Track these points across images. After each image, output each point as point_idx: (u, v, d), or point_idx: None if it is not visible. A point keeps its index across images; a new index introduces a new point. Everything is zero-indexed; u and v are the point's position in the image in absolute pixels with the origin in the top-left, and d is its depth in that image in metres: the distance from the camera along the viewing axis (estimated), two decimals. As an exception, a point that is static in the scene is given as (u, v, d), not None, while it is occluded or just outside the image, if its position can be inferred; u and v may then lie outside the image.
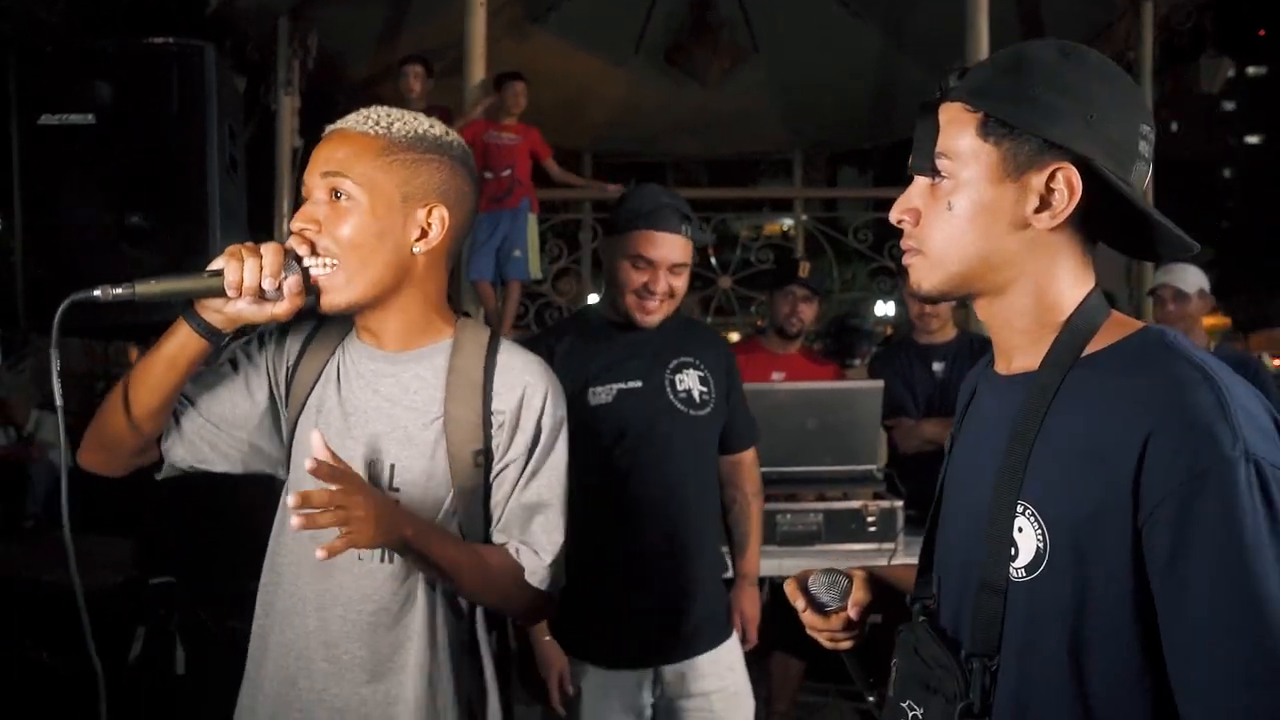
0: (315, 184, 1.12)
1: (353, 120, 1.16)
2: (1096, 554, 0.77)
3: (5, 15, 6.18)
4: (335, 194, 1.11)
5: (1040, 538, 0.80)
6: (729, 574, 2.02)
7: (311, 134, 5.16)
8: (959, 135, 0.85)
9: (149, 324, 1.96)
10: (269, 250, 1.06)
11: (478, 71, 4.69)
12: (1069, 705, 0.79)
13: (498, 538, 1.19)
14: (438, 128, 1.18)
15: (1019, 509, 0.81)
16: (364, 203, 1.10)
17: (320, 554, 0.98)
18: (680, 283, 1.84)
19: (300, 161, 5.31)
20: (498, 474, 1.18)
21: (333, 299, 1.11)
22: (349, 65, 6.16)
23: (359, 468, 1.13)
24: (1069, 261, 0.85)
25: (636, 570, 1.80)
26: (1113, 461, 0.76)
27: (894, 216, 0.90)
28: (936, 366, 3.00)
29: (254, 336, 1.24)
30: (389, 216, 1.12)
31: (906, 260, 0.91)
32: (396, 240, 1.12)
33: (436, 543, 1.09)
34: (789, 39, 6.32)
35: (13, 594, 3.72)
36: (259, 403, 1.21)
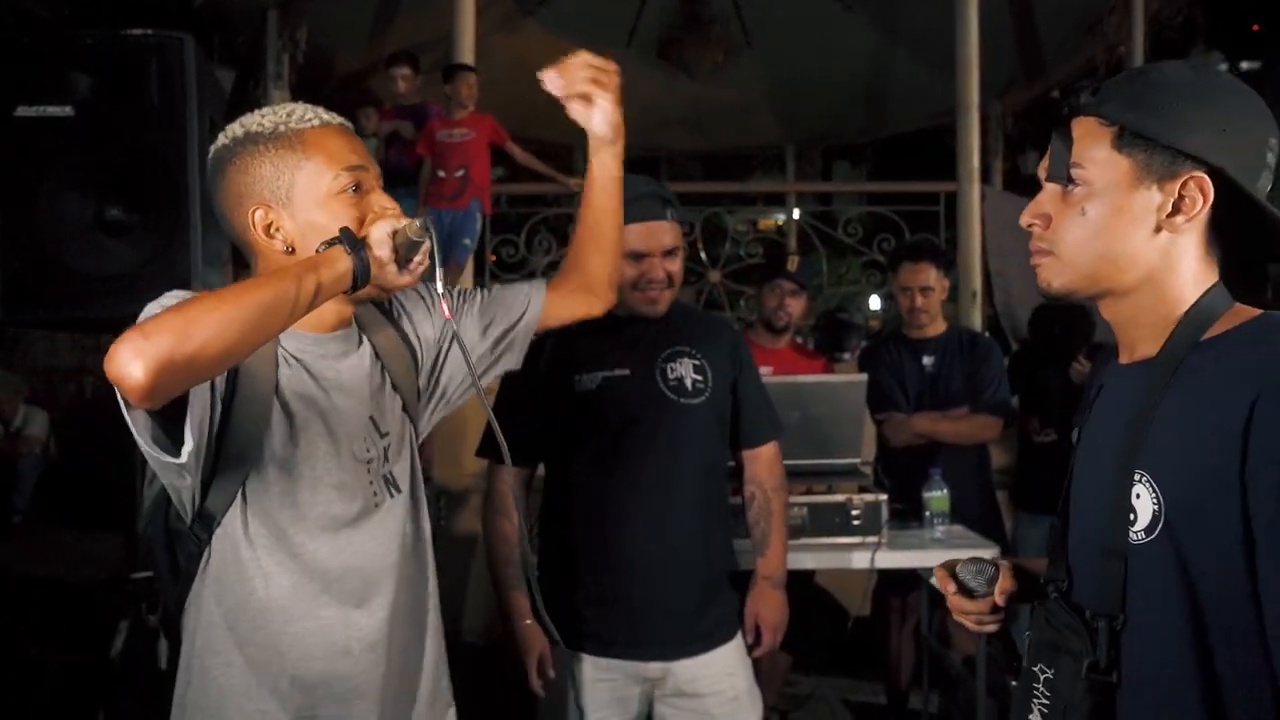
0: (361, 176, 1.16)
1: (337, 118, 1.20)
2: (1208, 514, 0.83)
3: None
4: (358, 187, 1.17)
5: (1156, 502, 0.86)
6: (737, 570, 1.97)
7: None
8: (1094, 147, 0.92)
9: (134, 318, 1.96)
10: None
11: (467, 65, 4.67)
12: (1189, 661, 0.84)
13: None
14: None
15: (1137, 477, 0.87)
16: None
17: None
18: (676, 266, 1.83)
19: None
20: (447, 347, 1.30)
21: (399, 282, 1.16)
22: (339, 59, 6.14)
23: (358, 430, 1.18)
24: (1192, 262, 0.92)
25: (621, 558, 1.78)
26: (1223, 427, 0.82)
27: (1024, 221, 0.97)
28: (927, 360, 3.00)
29: None
30: None
31: (1036, 260, 0.97)
32: None
33: None
34: (781, 32, 6.31)
35: (1, 589, 3.71)
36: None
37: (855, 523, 2.40)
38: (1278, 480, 0.79)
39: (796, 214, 6.92)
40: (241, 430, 1.08)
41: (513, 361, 1.39)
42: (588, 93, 1.25)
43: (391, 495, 1.20)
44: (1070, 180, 0.93)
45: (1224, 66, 7.81)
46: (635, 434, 1.79)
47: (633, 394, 1.80)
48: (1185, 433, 0.85)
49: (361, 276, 1.05)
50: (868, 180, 10.88)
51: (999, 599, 1.04)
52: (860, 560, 2.38)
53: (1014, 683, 1.04)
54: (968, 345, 3.02)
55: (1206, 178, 0.88)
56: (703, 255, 6.01)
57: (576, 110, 1.28)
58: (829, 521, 2.40)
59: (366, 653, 1.15)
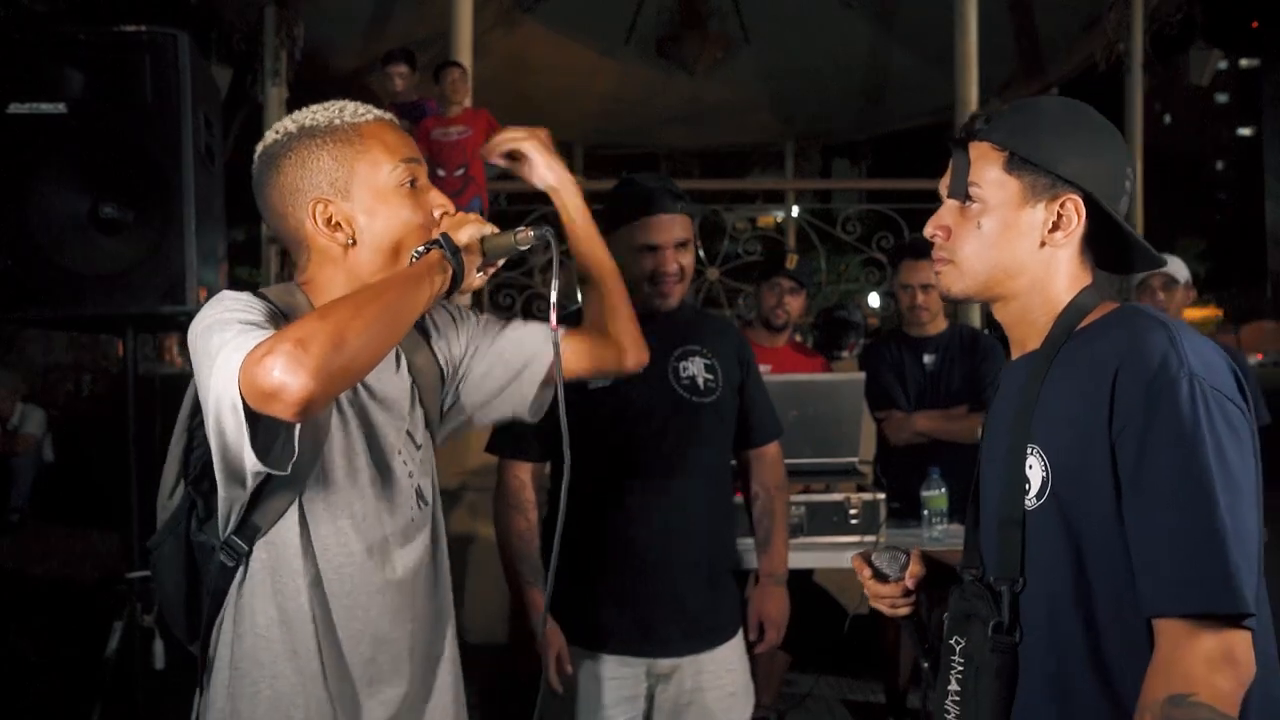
0: (417, 170, 1.16)
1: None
2: (1087, 470, 0.94)
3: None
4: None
5: (1044, 469, 0.98)
6: (743, 568, 1.97)
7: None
8: (988, 168, 1.06)
9: (129, 316, 1.95)
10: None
11: (465, 62, 4.66)
12: (1074, 611, 0.95)
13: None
14: None
15: (1029, 449, 0.99)
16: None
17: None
18: (687, 260, 1.83)
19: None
20: (470, 357, 1.29)
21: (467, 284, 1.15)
22: (336, 56, 6.13)
23: (399, 442, 1.18)
24: (1069, 269, 1.06)
25: (633, 555, 1.77)
26: (1094, 395, 0.95)
27: (928, 232, 1.10)
28: (927, 359, 2.99)
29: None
30: None
31: (937, 268, 1.10)
32: None
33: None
34: (780, 29, 6.31)
35: (-3, 587, 3.70)
36: None
37: (853, 522, 2.39)
38: (1137, 433, 0.91)
39: (795, 211, 6.91)
40: (304, 441, 1.03)
41: (520, 410, 1.33)
42: (516, 149, 1.34)
43: (420, 508, 1.20)
44: (968, 197, 1.06)
45: (1223, 63, 7.81)
46: (647, 432, 1.78)
47: (645, 392, 1.79)
48: (1065, 406, 0.98)
49: (456, 283, 1.07)
50: (867, 177, 10.89)
51: (909, 583, 1.15)
52: (858, 559, 2.37)
53: (924, 664, 1.16)
54: (968, 344, 3.01)
55: (1080, 199, 1.03)
56: (701, 253, 6.00)
57: (521, 171, 1.36)
58: (827, 520, 2.39)
59: (394, 662, 1.16)
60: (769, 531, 1.97)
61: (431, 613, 1.22)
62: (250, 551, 1.09)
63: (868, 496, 2.41)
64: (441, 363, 1.27)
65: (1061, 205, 1.03)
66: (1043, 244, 1.04)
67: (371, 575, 1.13)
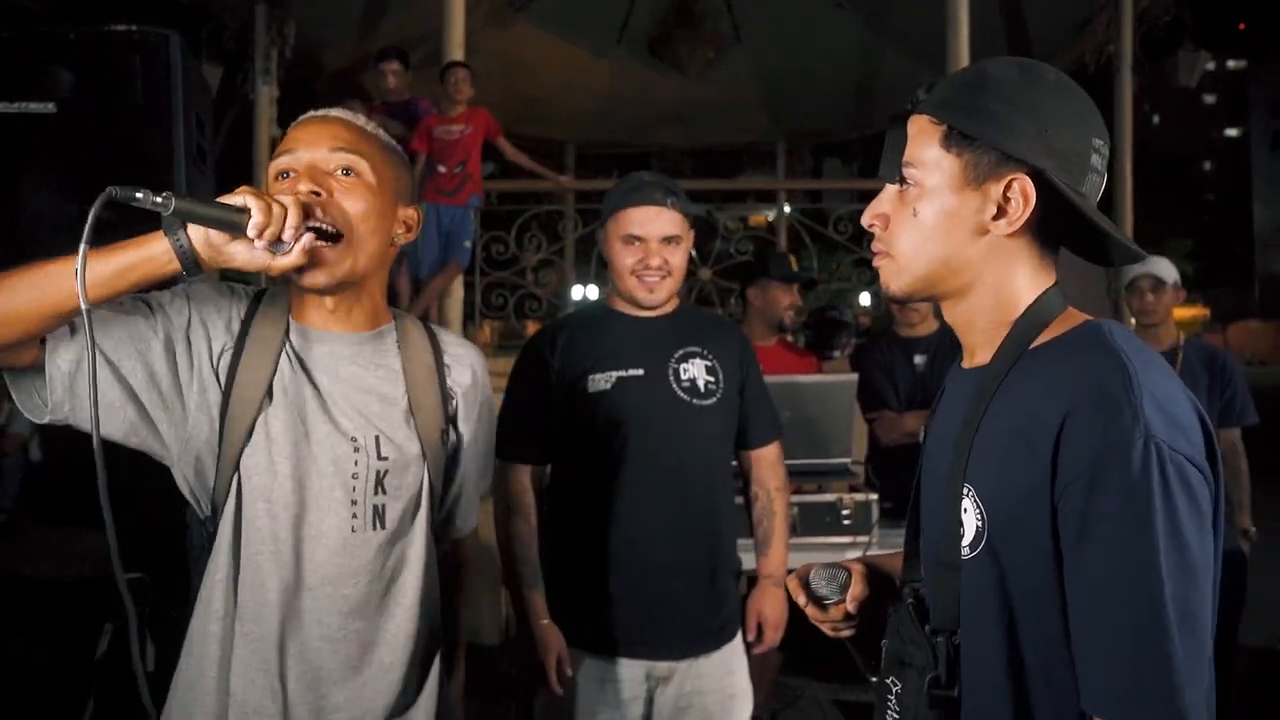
0: (321, 157, 1.15)
1: (346, 114, 1.21)
2: (1024, 530, 0.82)
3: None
4: (345, 170, 1.15)
5: (980, 517, 0.85)
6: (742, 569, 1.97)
7: (289, 124, 5.06)
8: (924, 146, 0.90)
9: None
10: (290, 203, 1.04)
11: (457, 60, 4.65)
12: (1009, 677, 0.84)
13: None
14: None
15: (965, 489, 0.87)
16: (374, 184, 1.17)
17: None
18: (676, 257, 1.81)
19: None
20: (461, 446, 1.32)
21: (331, 270, 1.13)
22: (328, 54, 6.10)
23: (349, 441, 1.17)
24: (1026, 265, 0.91)
25: (634, 558, 1.77)
26: (1037, 442, 0.81)
27: (865, 221, 0.95)
28: (918, 360, 3.00)
29: (171, 298, 1.14)
30: (387, 204, 1.19)
31: (876, 263, 0.96)
32: (387, 228, 1.20)
33: None
34: (772, 29, 6.31)
35: (-15, 588, 3.67)
36: (167, 369, 1.11)
37: (846, 522, 2.40)
38: (1082, 498, 0.78)
39: (787, 210, 6.92)
40: (233, 420, 1.12)
41: None
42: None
43: (374, 529, 1.17)
44: (903, 180, 0.91)
45: (1211, 65, 7.84)
46: (648, 434, 1.78)
47: (646, 394, 1.78)
48: (1004, 447, 0.84)
49: (187, 257, 1.01)
50: (858, 177, 10.91)
51: (850, 606, 1.02)
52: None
53: (873, 679, 1.03)
54: (959, 345, 3.02)
55: (1029, 180, 0.86)
56: (693, 252, 6.00)
57: None
58: (820, 521, 2.40)
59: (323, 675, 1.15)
60: (768, 533, 1.96)
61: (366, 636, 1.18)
62: (215, 532, 1.16)
63: (860, 497, 2.42)
64: (448, 416, 1.28)
65: (1007, 187, 0.87)
66: (985, 232, 0.88)
67: (283, 569, 1.14)
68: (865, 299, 8.09)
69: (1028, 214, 0.87)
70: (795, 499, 2.39)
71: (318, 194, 1.12)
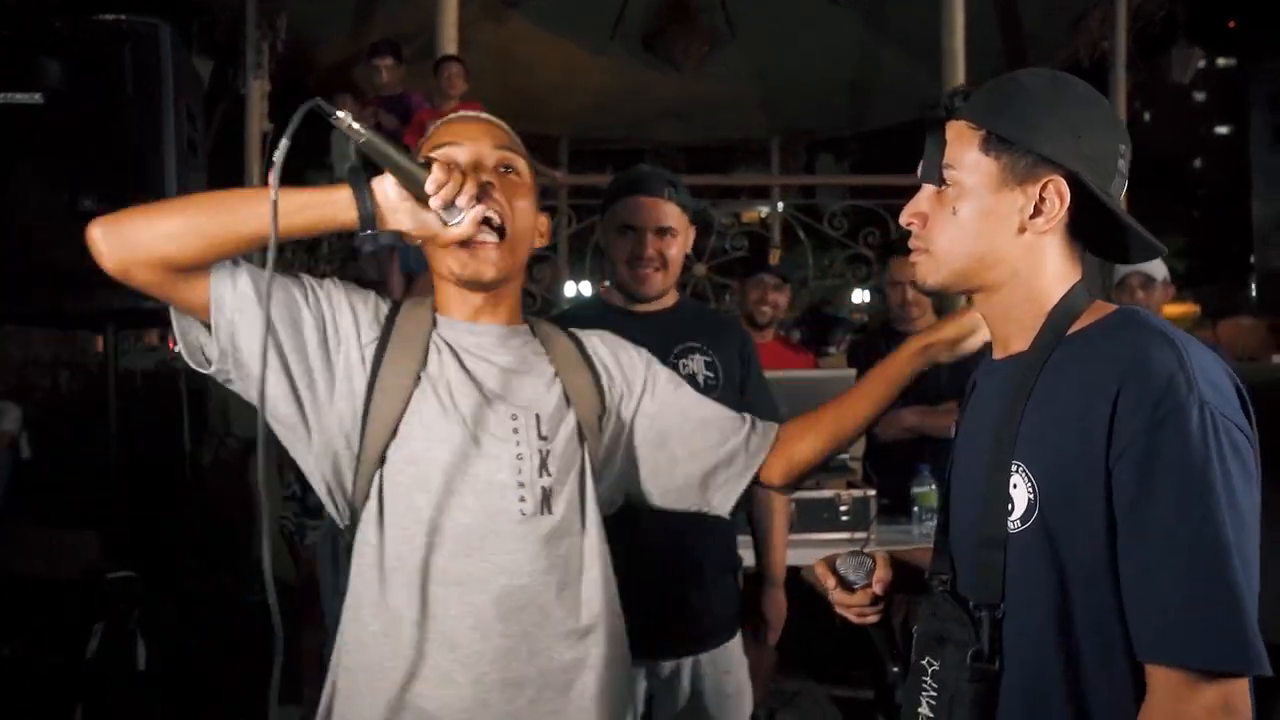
0: (485, 152, 1.16)
1: (495, 119, 1.24)
2: (1078, 499, 0.87)
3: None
4: (506, 168, 1.18)
5: (1031, 490, 0.90)
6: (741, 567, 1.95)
7: (281, 118, 5.06)
8: (964, 149, 0.97)
9: (110, 311, 1.91)
10: (469, 174, 1.07)
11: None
12: (1055, 644, 0.88)
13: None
14: None
15: (1013, 467, 0.91)
16: (531, 185, 1.21)
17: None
18: (672, 249, 1.79)
19: (270, 145, 5.21)
20: (637, 407, 1.29)
21: (496, 263, 1.15)
22: (320, 48, 6.06)
23: (511, 423, 1.15)
24: (1056, 260, 0.97)
25: (634, 557, 1.72)
26: (1091, 414, 0.87)
27: (904, 219, 1.02)
28: (915, 356, 2.99)
29: (324, 282, 1.15)
30: (536, 207, 1.22)
31: (914, 258, 1.02)
32: (536, 230, 1.22)
33: None
34: (766, 25, 6.30)
35: (-26, 587, 3.64)
36: (319, 346, 1.10)
37: (844, 518, 2.39)
38: (1138, 465, 0.84)
39: (781, 207, 6.91)
40: (378, 409, 1.11)
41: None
42: None
43: (543, 513, 1.14)
44: (943, 181, 0.98)
45: (1202, 63, 7.85)
46: None
47: None
48: (1055, 423, 0.90)
49: (366, 210, 1.03)
50: (852, 173, 10.90)
51: (877, 589, 1.07)
52: (849, 556, 2.37)
53: (894, 669, 1.07)
54: (955, 340, 3.02)
55: (1064, 181, 0.94)
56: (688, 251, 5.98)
57: None
58: (817, 517, 2.39)
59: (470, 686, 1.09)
60: (767, 531, 1.96)
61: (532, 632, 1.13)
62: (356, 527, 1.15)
63: (858, 493, 2.42)
64: (603, 398, 1.26)
65: (1043, 188, 0.94)
66: (1023, 230, 0.95)
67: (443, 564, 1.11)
68: (856, 295, 8.09)
69: (1062, 213, 0.94)
70: (793, 495, 2.38)
71: (487, 184, 1.13)
